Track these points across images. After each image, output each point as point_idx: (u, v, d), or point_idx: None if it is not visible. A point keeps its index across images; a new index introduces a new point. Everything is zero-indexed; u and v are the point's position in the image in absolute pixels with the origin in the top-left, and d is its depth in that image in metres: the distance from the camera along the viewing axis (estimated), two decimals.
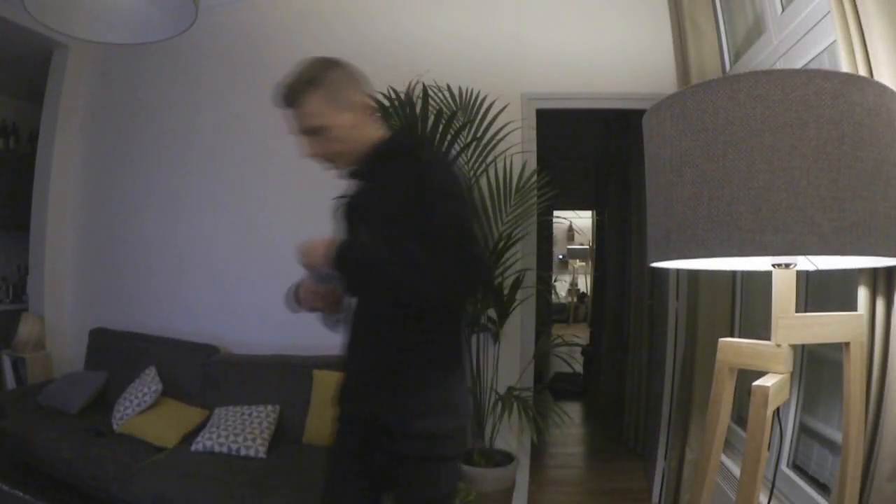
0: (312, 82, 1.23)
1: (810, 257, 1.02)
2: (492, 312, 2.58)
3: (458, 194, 1.20)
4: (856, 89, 0.91)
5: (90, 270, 3.61)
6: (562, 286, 9.77)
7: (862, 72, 1.25)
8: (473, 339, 2.58)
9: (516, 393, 2.53)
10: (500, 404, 2.49)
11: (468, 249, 1.12)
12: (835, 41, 1.41)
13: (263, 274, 3.17)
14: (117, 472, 2.33)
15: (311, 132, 1.26)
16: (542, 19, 2.91)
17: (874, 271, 1.26)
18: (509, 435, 2.80)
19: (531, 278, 2.73)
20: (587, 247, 9.20)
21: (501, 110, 2.66)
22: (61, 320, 3.56)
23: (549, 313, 5.36)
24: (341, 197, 1.44)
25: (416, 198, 1.16)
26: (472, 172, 2.60)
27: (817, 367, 1.77)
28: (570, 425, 4.18)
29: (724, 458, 2.09)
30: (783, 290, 1.08)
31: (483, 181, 2.59)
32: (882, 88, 0.95)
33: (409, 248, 1.11)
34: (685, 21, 2.46)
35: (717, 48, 2.42)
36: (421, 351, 1.26)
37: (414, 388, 1.26)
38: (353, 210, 1.38)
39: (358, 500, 1.34)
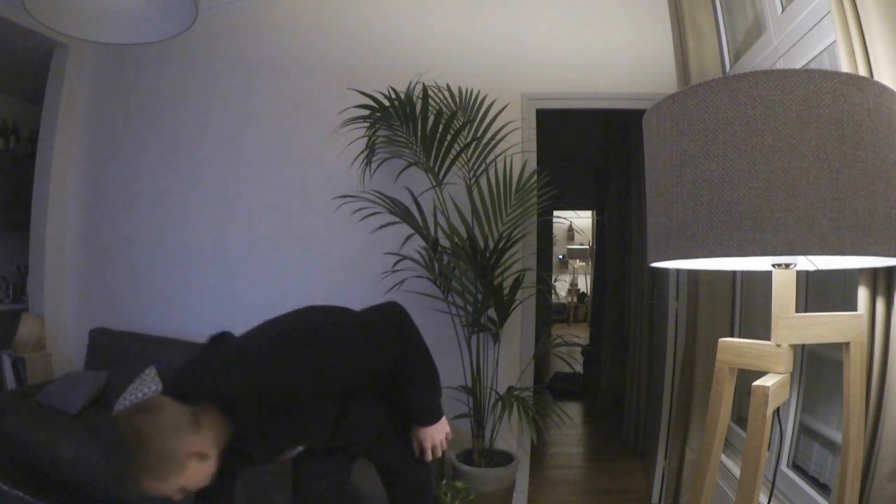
0: (135, 467, 0.98)
1: (810, 257, 1.02)
2: (492, 312, 2.58)
3: (328, 335, 1.26)
4: (856, 89, 0.91)
5: (90, 270, 3.62)
6: (562, 286, 9.78)
7: (862, 72, 1.25)
8: (473, 339, 2.58)
9: (516, 393, 2.53)
10: (500, 404, 2.49)
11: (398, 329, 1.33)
12: (835, 41, 1.41)
13: (264, 273, 3.18)
14: None
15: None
16: (543, 19, 2.91)
17: (874, 271, 1.26)
18: (509, 435, 2.80)
19: (531, 278, 2.73)
20: (587, 247, 9.21)
21: (501, 110, 2.66)
22: (61, 320, 3.56)
23: (549, 313, 5.36)
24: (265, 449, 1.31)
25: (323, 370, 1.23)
26: (472, 172, 2.60)
27: (817, 367, 1.77)
28: (570, 425, 4.18)
29: (724, 458, 2.09)
30: (783, 290, 1.08)
31: (483, 181, 2.59)
32: (882, 88, 0.95)
33: (415, 367, 1.36)
34: (685, 21, 2.46)
35: (717, 48, 2.42)
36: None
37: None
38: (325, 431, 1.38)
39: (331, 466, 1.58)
